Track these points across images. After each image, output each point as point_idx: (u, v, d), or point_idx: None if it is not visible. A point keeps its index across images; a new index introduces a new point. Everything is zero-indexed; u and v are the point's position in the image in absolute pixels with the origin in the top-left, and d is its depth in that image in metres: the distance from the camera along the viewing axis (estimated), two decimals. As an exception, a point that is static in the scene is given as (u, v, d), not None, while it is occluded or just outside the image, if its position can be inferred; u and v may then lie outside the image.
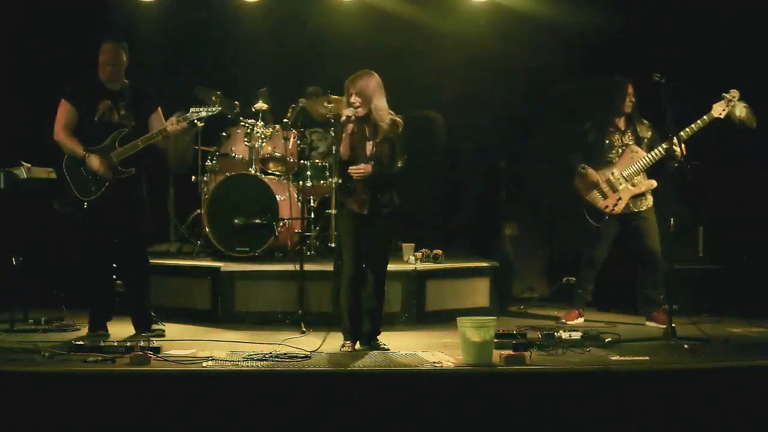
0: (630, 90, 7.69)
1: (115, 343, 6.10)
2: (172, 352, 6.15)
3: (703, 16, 8.62)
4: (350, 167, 6.33)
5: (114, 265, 7.18)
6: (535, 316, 8.24)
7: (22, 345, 6.34)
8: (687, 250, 8.45)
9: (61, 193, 7.04)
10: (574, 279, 8.15)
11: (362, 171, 6.32)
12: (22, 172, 7.44)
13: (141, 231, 7.08)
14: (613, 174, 7.69)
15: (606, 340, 6.63)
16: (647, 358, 6.09)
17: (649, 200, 7.72)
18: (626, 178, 7.66)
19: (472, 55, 9.45)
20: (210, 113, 7.06)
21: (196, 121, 7.07)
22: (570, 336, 6.54)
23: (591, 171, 7.71)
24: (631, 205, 7.68)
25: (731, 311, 8.06)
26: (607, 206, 7.68)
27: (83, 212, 6.89)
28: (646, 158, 7.61)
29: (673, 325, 6.71)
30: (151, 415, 5.29)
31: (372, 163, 6.36)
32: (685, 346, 6.46)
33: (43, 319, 7.37)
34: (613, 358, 6.14)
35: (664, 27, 8.84)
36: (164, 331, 7.02)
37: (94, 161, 6.82)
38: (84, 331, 7.07)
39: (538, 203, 9.50)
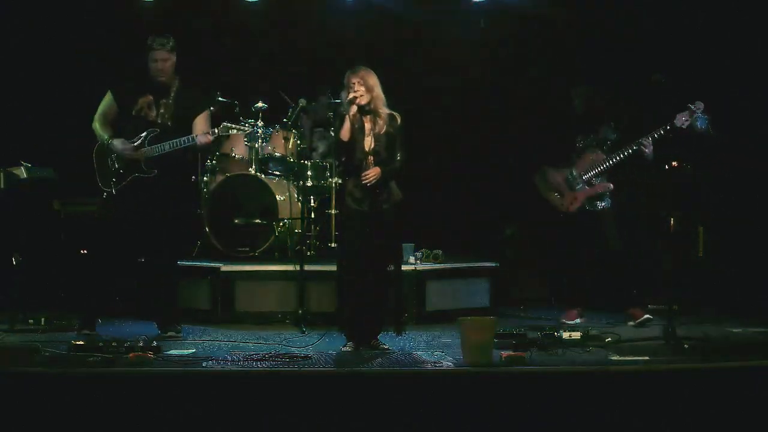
0: (587, 96, 7.77)
1: (115, 344, 6.09)
2: (172, 352, 6.15)
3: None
4: (361, 175, 6.32)
5: (123, 265, 7.18)
6: (535, 317, 8.24)
7: (23, 345, 6.34)
8: (687, 250, 8.45)
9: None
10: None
11: (373, 175, 6.31)
12: (22, 172, 7.43)
13: (166, 237, 6.93)
14: (571, 174, 7.76)
15: (606, 340, 6.64)
16: (647, 358, 6.09)
17: (607, 202, 7.76)
18: (584, 179, 7.71)
19: (472, 54, 9.45)
20: (240, 131, 7.05)
21: (223, 135, 6.98)
22: (570, 336, 6.54)
23: (550, 170, 7.84)
24: (586, 205, 7.73)
25: (731, 311, 8.06)
26: (562, 204, 7.78)
27: (101, 203, 6.88)
28: (607, 161, 7.65)
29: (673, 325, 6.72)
30: (151, 415, 5.29)
31: (371, 158, 6.35)
32: (685, 346, 6.46)
33: (43, 319, 7.35)
34: (613, 358, 6.14)
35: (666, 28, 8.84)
36: (179, 333, 6.96)
37: (118, 144, 6.77)
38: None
39: (538, 203, 9.48)
